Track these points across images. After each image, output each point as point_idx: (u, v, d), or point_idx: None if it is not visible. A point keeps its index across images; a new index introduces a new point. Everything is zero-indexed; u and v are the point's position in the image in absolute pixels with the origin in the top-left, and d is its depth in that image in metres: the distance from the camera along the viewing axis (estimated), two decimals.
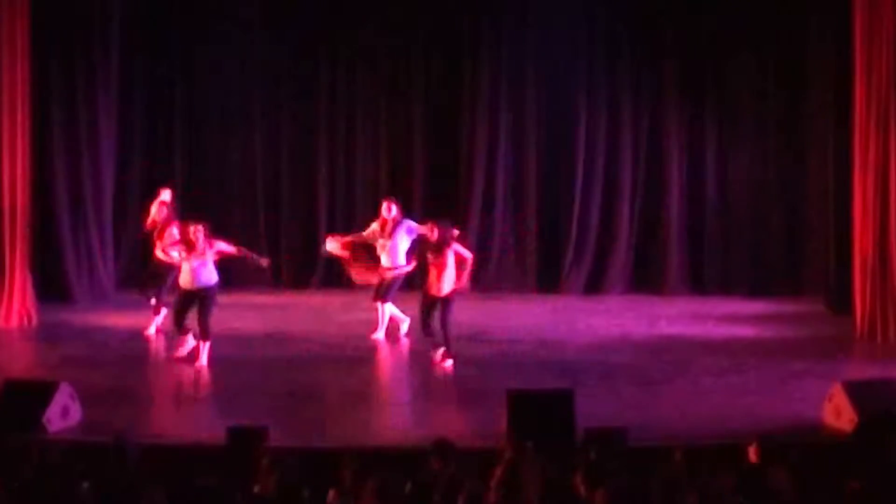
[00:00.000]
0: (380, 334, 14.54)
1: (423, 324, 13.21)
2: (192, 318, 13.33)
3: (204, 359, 13.18)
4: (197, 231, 13.23)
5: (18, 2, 14.98)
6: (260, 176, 18.64)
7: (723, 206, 18.18)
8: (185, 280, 13.26)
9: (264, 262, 13.88)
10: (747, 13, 17.63)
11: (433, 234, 13.12)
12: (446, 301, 13.05)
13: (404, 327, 14.53)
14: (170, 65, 18.29)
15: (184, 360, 13.31)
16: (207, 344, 13.21)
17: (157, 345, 14.47)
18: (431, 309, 13.08)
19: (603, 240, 18.27)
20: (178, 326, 13.41)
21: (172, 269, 14.15)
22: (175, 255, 13.57)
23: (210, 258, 13.19)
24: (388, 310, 14.52)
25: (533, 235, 18.38)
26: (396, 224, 14.35)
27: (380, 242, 14.38)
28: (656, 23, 17.96)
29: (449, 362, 13.10)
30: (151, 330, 14.70)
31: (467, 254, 13.25)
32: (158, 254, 14.37)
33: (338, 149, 18.67)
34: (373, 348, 14.39)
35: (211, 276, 13.24)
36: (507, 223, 18.41)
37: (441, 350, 13.12)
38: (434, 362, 13.11)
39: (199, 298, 13.19)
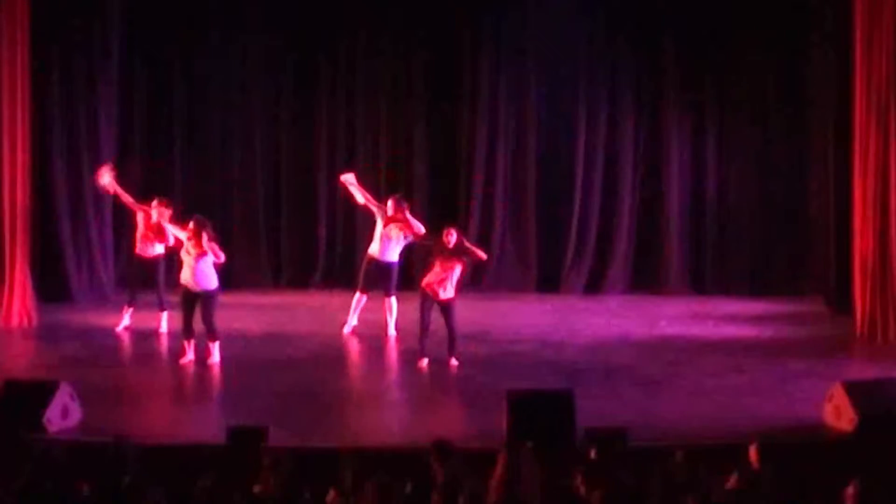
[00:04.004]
0: (391, 331, 14.63)
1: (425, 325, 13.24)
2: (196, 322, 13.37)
3: (216, 356, 13.26)
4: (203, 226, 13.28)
5: (19, 3, 14.98)
6: (260, 176, 18.64)
7: (723, 207, 18.18)
8: (186, 278, 13.27)
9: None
10: (749, 13, 17.64)
11: (450, 239, 13.15)
12: (448, 304, 13.12)
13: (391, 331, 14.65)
14: (169, 65, 18.28)
15: (191, 363, 13.29)
16: (217, 343, 13.28)
17: (157, 345, 14.50)
18: (432, 311, 13.12)
19: (603, 240, 18.28)
20: (188, 331, 13.36)
21: (157, 266, 14.59)
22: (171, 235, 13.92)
23: (210, 259, 13.19)
24: (392, 304, 14.59)
25: (533, 235, 18.39)
26: (404, 223, 14.38)
27: (381, 228, 14.41)
28: (657, 23, 17.96)
29: (454, 362, 13.17)
30: (123, 326, 14.89)
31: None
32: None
33: (338, 149, 18.68)
34: (372, 348, 14.40)
35: (212, 278, 13.26)
36: (507, 223, 18.40)
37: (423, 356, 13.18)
38: (420, 367, 13.15)
39: (200, 299, 13.22)
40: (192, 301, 13.26)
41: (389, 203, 14.45)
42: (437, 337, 13.41)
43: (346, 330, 14.71)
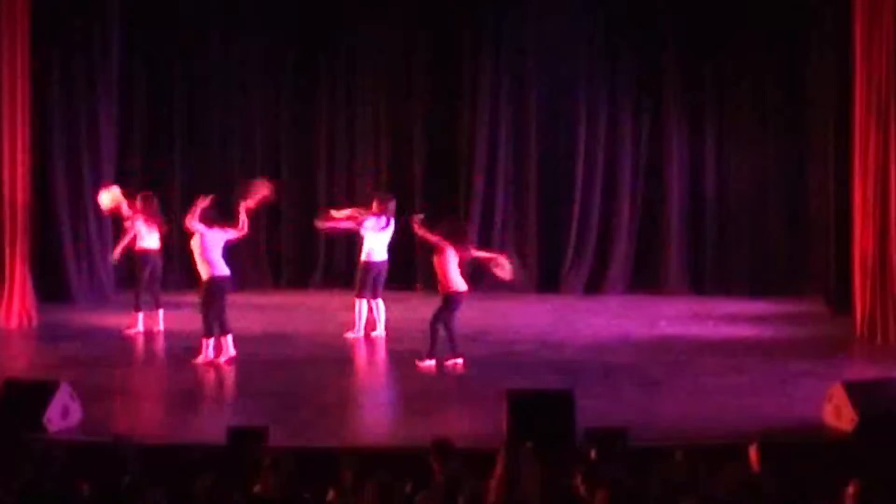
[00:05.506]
0: (379, 331, 14.61)
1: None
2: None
3: (209, 355, 13.19)
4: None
5: (19, 3, 14.98)
6: (260, 175, 18.61)
7: (723, 207, 18.20)
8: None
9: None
10: (749, 13, 17.64)
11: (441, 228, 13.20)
12: (443, 299, 13.11)
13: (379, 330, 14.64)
14: (169, 65, 18.29)
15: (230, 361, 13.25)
16: (209, 340, 13.19)
17: (157, 344, 14.51)
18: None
19: (603, 240, 18.29)
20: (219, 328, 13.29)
21: (151, 259, 14.58)
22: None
23: (199, 241, 13.03)
24: (380, 305, 14.58)
25: (533, 235, 18.39)
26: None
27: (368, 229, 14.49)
28: (657, 23, 17.97)
29: (458, 361, 13.13)
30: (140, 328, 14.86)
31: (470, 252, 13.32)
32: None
33: (338, 149, 18.70)
34: (372, 348, 14.40)
35: (207, 266, 13.01)
36: (508, 223, 18.41)
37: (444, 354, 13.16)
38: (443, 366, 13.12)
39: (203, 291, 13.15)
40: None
41: (375, 203, 14.52)
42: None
43: (377, 334, 14.64)
